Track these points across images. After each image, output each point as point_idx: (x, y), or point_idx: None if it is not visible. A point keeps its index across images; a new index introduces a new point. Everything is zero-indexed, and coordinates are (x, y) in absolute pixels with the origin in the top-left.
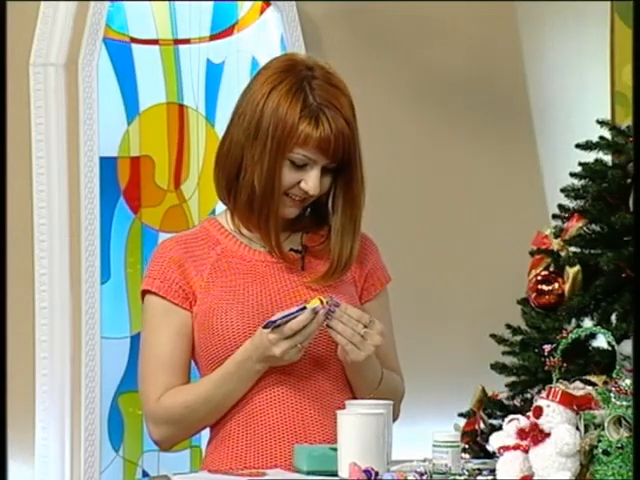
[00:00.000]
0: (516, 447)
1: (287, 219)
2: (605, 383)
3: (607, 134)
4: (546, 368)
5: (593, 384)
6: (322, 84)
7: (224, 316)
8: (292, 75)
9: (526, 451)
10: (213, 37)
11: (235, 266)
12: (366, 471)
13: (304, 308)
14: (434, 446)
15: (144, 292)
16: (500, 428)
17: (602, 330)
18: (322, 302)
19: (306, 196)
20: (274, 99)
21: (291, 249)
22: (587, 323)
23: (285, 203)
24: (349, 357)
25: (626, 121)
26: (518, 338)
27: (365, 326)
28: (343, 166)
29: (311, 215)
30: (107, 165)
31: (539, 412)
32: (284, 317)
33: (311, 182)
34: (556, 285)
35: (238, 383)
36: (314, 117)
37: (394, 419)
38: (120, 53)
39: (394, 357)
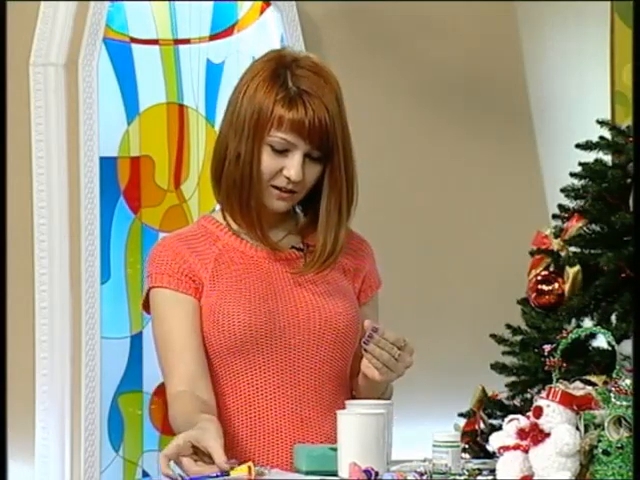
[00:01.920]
0: (516, 447)
1: (279, 215)
2: (605, 383)
3: (607, 134)
4: (546, 368)
5: (593, 384)
6: (305, 72)
7: (229, 312)
8: (274, 63)
9: (526, 451)
10: (213, 37)
11: (238, 262)
12: (366, 471)
13: (227, 474)
14: (434, 446)
15: (150, 289)
16: (500, 428)
17: (602, 330)
18: (250, 470)
19: (292, 188)
20: (253, 86)
21: (293, 247)
22: (587, 323)
23: (272, 194)
24: (379, 377)
25: (626, 121)
26: (518, 338)
27: (399, 348)
28: (327, 155)
29: (309, 216)
30: (107, 165)
31: (539, 412)
32: (205, 477)
33: (293, 168)
34: (556, 285)
35: None
36: (289, 100)
37: None
38: (120, 53)
39: None
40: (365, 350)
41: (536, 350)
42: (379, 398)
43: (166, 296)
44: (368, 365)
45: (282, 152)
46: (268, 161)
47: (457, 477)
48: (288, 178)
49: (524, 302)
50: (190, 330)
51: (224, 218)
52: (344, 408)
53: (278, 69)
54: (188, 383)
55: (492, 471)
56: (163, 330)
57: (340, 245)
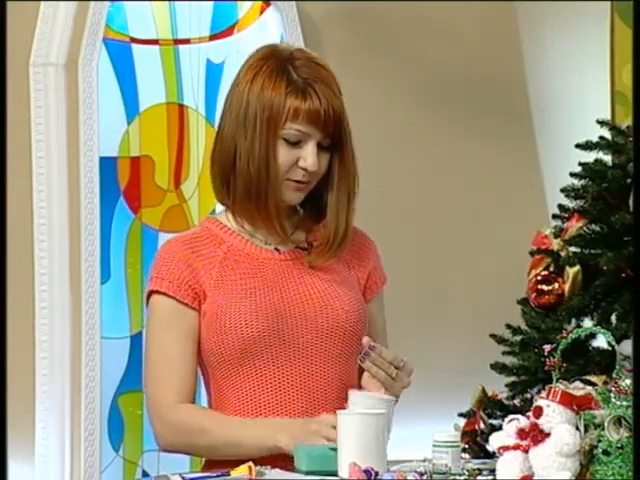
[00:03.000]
0: (516, 447)
1: (287, 211)
2: (605, 383)
3: (607, 134)
4: (546, 368)
5: (593, 384)
6: (305, 62)
7: (236, 315)
8: (274, 59)
9: (526, 451)
10: (213, 37)
11: (243, 264)
12: (366, 471)
13: (228, 474)
14: (434, 446)
15: (150, 293)
16: (500, 428)
17: (602, 330)
18: (251, 470)
19: (307, 179)
20: (258, 83)
21: (297, 247)
22: (587, 323)
23: (288, 187)
24: (377, 394)
25: (626, 121)
26: (518, 338)
27: (397, 367)
28: (336, 142)
29: (310, 211)
30: (107, 165)
31: (539, 412)
32: (205, 477)
33: (309, 158)
34: (556, 285)
35: (257, 442)
36: (301, 91)
37: None
38: (120, 53)
39: None
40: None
41: (536, 350)
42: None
43: (165, 308)
44: (367, 380)
45: (296, 144)
46: (283, 154)
47: (457, 477)
48: (304, 169)
49: (524, 302)
50: (183, 348)
51: (232, 219)
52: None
53: (279, 64)
54: (183, 398)
55: (492, 471)
56: (155, 344)
57: (350, 230)
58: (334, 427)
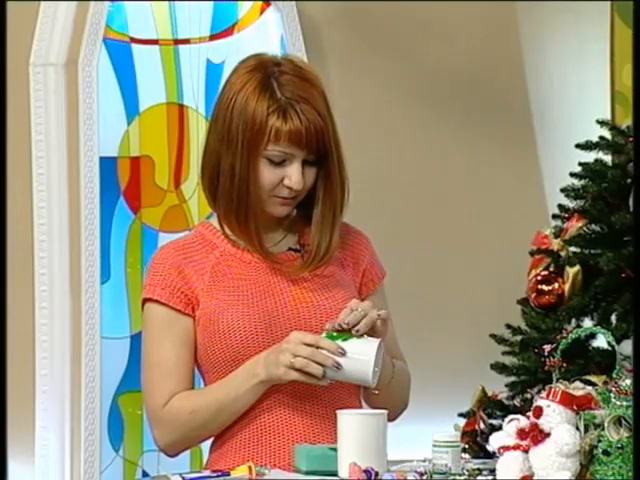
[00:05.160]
0: (516, 447)
1: (278, 219)
2: (605, 383)
3: (607, 134)
4: (546, 368)
5: (593, 384)
6: (290, 78)
7: (229, 319)
8: (259, 73)
9: (526, 451)
10: (213, 37)
11: (235, 268)
12: (366, 471)
13: (228, 474)
14: (434, 446)
15: (145, 300)
16: (500, 428)
17: (602, 330)
18: (251, 470)
19: (294, 194)
20: (241, 100)
21: (289, 248)
22: (587, 323)
23: (275, 202)
24: (383, 326)
25: (626, 121)
26: (518, 338)
27: (353, 310)
28: (322, 158)
29: (303, 215)
30: (107, 165)
31: (539, 412)
32: (204, 477)
33: (294, 177)
34: (556, 285)
35: (242, 387)
36: (282, 111)
37: (404, 406)
38: (120, 53)
39: (397, 345)
40: (358, 330)
41: (536, 350)
42: (389, 383)
43: (158, 315)
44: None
45: (280, 163)
46: (267, 174)
47: (457, 477)
48: (290, 187)
49: (524, 302)
50: (177, 353)
51: (220, 225)
52: (353, 405)
53: (264, 79)
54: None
55: (492, 471)
56: (150, 351)
57: (334, 245)
58: (305, 344)
